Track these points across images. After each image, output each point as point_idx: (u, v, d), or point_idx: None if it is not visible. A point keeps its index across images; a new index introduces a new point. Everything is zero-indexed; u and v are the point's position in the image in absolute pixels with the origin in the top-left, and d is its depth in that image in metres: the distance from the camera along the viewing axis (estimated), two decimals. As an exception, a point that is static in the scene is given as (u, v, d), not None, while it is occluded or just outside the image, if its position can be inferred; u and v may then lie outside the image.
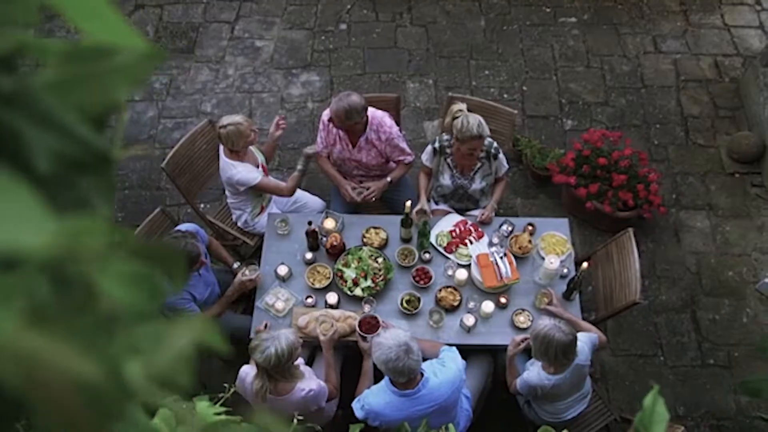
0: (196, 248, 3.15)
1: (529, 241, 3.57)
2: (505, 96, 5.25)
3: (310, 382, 2.99)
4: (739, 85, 5.28)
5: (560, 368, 2.96)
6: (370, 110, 3.74)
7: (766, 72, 4.89)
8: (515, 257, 3.54)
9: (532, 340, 2.93)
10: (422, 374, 2.86)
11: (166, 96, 5.36)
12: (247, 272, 3.48)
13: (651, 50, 5.53)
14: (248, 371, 3.02)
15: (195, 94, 5.36)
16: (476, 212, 3.86)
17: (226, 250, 3.90)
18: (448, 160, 3.72)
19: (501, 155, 3.70)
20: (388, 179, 3.90)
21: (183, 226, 3.42)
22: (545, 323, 2.87)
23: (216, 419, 0.78)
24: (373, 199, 3.90)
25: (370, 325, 3.24)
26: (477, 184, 3.78)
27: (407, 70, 5.43)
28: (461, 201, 3.91)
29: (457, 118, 3.49)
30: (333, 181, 4.06)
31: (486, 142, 3.58)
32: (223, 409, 0.83)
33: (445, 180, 3.79)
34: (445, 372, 2.92)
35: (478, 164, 3.72)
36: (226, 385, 1.55)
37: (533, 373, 3.04)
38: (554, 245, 3.65)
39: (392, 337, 2.76)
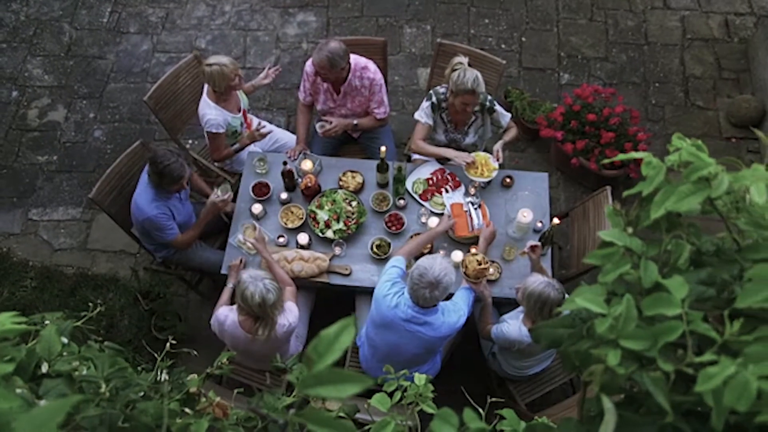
0: (185, 167, 3.25)
1: (483, 267, 3.14)
2: (503, 46, 5.12)
3: (288, 315, 3.02)
4: (748, 46, 5.09)
5: None
6: (354, 57, 3.68)
7: (775, 33, 4.72)
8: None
9: (525, 299, 2.88)
10: (435, 306, 2.89)
11: (161, 30, 5.31)
12: (218, 193, 3.49)
13: (659, 5, 5.33)
14: (227, 314, 3.03)
15: (190, 30, 5.30)
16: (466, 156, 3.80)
17: (204, 182, 3.95)
18: (443, 114, 3.66)
19: (498, 107, 3.62)
20: (354, 121, 3.85)
21: None
22: (538, 281, 2.83)
23: (13, 328, 0.79)
24: (334, 134, 3.83)
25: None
26: (470, 138, 3.72)
27: (405, 15, 5.30)
28: None
29: (456, 70, 3.42)
30: (297, 132, 4.01)
31: (480, 97, 3.51)
32: (24, 319, 0.84)
33: (439, 135, 3.73)
34: (451, 316, 2.93)
35: (473, 118, 3.66)
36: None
37: (514, 327, 3.02)
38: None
39: (434, 266, 2.73)
